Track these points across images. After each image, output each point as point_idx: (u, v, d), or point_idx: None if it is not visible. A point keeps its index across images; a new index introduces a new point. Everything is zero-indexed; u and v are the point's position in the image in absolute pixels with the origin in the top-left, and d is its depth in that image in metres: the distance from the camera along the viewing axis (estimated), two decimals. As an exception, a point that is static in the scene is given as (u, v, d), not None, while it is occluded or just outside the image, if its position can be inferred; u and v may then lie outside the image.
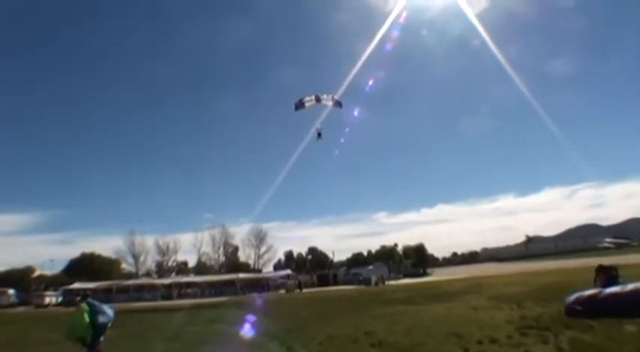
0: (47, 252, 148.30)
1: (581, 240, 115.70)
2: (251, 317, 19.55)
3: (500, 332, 9.96)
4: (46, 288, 60.51)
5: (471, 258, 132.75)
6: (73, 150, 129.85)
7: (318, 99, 19.55)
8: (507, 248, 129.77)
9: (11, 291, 51.55)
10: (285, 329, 14.12)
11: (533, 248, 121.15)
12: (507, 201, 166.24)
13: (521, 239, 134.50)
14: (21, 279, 69.57)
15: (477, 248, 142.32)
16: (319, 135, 19.91)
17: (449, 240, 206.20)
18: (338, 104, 20.28)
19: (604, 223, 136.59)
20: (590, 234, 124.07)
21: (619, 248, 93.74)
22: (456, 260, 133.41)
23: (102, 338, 8.78)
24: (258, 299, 40.84)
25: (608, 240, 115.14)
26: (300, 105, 19.55)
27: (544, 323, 10.56)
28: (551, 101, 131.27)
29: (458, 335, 10.23)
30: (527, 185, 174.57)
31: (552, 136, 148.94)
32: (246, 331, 14.72)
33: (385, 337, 10.97)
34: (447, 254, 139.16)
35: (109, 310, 9.12)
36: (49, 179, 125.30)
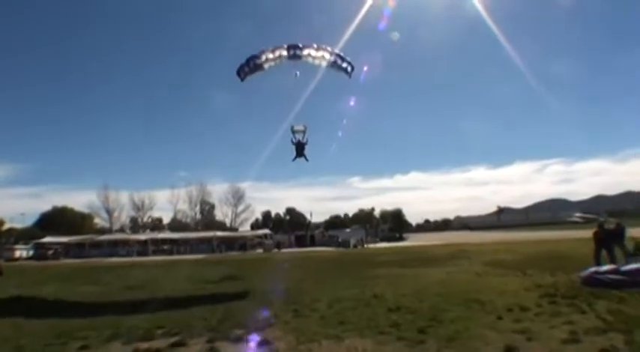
0: (18, 206, 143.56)
1: (551, 213, 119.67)
2: (239, 276, 18.80)
3: (524, 300, 9.41)
4: (16, 242, 58.36)
5: (444, 225, 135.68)
6: (50, 103, 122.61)
7: (294, 55, 13.72)
8: (479, 217, 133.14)
9: None
10: (283, 290, 13.33)
11: (504, 218, 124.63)
12: (479, 172, 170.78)
13: (492, 209, 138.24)
14: None
15: (450, 216, 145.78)
16: (300, 154, 15.35)
17: (422, 207, 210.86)
18: (342, 65, 14.59)
19: (573, 198, 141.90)
20: (559, 207, 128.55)
21: (587, 222, 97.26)
22: (429, 226, 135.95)
23: None
24: (237, 257, 40.33)
25: (577, 214, 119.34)
26: (252, 67, 13.85)
27: (567, 292, 10.04)
28: (533, 75, 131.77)
29: (479, 302, 9.65)
30: (499, 157, 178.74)
31: (527, 110, 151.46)
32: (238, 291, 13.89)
33: (399, 301, 10.31)
34: (420, 220, 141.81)
35: None
36: (22, 131, 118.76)
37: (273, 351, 6.64)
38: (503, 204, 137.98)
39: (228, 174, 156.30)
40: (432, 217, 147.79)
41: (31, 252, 49.86)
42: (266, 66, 13.65)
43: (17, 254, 47.39)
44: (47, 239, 55.96)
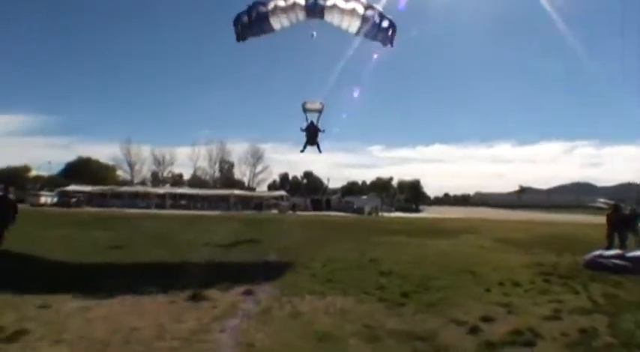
0: (46, 155, 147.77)
1: (574, 196, 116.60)
2: (244, 232, 19.21)
3: (519, 276, 9.28)
4: (42, 188, 60.62)
5: (463, 200, 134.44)
6: (83, 55, 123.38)
7: (311, 11, 10.49)
8: (500, 195, 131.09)
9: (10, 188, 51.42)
10: (283, 248, 13.55)
11: (525, 198, 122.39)
12: (504, 149, 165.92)
13: (513, 188, 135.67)
14: (16, 178, 69.17)
15: (470, 191, 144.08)
16: (312, 143, 12.61)
17: (442, 181, 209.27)
18: (381, 32, 10.96)
19: (599, 183, 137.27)
20: (583, 192, 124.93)
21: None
22: (447, 200, 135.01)
23: None
24: (251, 216, 41.13)
25: (601, 200, 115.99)
26: (256, 21, 10.44)
27: (565, 273, 9.85)
28: (567, 54, 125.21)
29: (473, 273, 9.61)
30: (526, 135, 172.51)
31: (558, 89, 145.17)
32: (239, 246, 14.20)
33: (393, 266, 10.34)
34: (440, 194, 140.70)
35: None
36: (55, 82, 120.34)
37: (255, 301, 6.79)
38: (525, 184, 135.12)
39: (250, 134, 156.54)
40: (452, 191, 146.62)
41: (55, 199, 51.77)
42: (274, 22, 10.52)
43: (42, 200, 49.21)
44: (71, 187, 58.06)
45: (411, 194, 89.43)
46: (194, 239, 15.82)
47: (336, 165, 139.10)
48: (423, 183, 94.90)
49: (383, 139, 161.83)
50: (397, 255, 12.64)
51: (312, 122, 12.46)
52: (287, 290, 7.44)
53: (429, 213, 66.69)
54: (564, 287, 8.30)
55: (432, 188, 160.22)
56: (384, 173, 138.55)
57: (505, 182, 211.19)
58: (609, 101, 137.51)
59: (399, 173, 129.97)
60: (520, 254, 13.64)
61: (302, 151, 12.85)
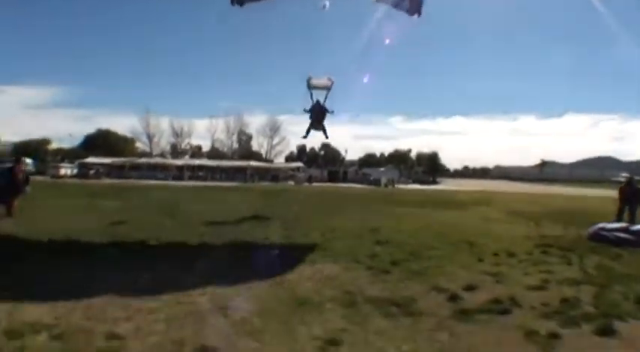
0: (67, 127, 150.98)
1: (598, 171, 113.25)
2: (252, 202, 19.44)
3: (518, 247, 9.18)
4: (62, 160, 62.10)
5: (483, 173, 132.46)
6: (104, 29, 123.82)
7: None
8: (521, 168, 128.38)
9: (28, 160, 52.80)
10: (290, 218, 13.73)
11: (547, 172, 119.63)
12: (527, 122, 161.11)
13: (535, 161, 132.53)
14: (37, 150, 70.85)
15: (490, 164, 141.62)
16: (317, 126, 11.44)
17: (462, 153, 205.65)
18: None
19: (623, 158, 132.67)
20: (607, 166, 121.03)
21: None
22: (467, 173, 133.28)
23: None
24: (266, 187, 41.54)
25: (624, 174, 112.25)
26: None
27: (566, 245, 9.71)
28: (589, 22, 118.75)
29: (471, 244, 9.55)
30: (550, 108, 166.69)
31: (583, 60, 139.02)
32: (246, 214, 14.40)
33: (391, 236, 10.37)
34: (459, 166, 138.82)
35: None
36: (76, 55, 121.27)
37: (245, 267, 6.95)
38: (548, 158, 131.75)
39: (268, 106, 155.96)
40: (472, 164, 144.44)
41: (75, 171, 53.05)
42: None
43: (62, 172, 50.29)
44: (90, 159, 59.37)
45: (429, 166, 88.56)
46: (200, 210, 16.12)
47: (355, 137, 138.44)
48: (442, 155, 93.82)
49: (403, 111, 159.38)
50: (400, 225, 12.65)
51: (317, 102, 10.91)
52: (279, 258, 7.60)
53: (446, 185, 66.08)
54: (560, 258, 8.19)
55: (451, 160, 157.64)
56: (403, 145, 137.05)
57: (527, 155, 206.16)
58: (636, 74, 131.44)
59: (419, 144, 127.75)
60: (526, 226, 13.47)
61: (305, 137, 11.77)
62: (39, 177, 42.03)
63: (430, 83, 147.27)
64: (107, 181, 43.77)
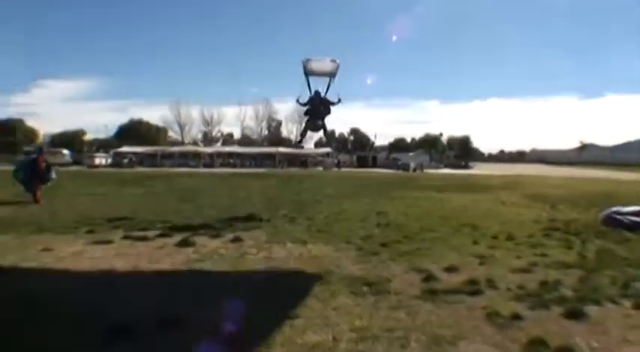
0: (102, 118, 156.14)
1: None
2: (270, 188, 19.79)
3: (520, 231, 9.03)
4: (97, 151, 64.74)
5: (519, 157, 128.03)
6: (140, 21, 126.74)
7: None
8: (558, 151, 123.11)
9: (65, 151, 55.32)
10: (302, 200, 13.97)
11: (587, 155, 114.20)
12: (566, 102, 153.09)
13: (574, 144, 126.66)
14: (73, 141, 73.77)
15: (527, 148, 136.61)
16: (316, 125, 8.06)
17: (497, 136, 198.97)
18: None
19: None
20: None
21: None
22: (502, 157, 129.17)
23: None
24: (293, 172, 41.95)
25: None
26: None
27: (575, 229, 9.44)
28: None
29: (474, 227, 9.47)
30: (591, 88, 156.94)
31: (623, 40, 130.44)
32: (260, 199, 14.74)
33: (396, 219, 10.44)
34: (494, 151, 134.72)
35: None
36: (108, 48, 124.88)
37: (237, 247, 7.21)
38: (588, 140, 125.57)
39: (296, 93, 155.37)
40: (508, 148, 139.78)
41: (109, 160, 55.31)
42: None
43: (97, 161, 52.29)
44: (124, 148, 61.68)
45: (461, 150, 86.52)
46: (218, 195, 16.59)
47: (387, 122, 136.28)
48: (477, 139, 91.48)
49: (438, 94, 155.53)
50: (409, 209, 12.66)
51: (317, 93, 7.71)
52: (273, 238, 7.83)
53: (478, 169, 64.43)
54: (561, 242, 8.00)
55: (486, 144, 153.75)
56: (433, 128, 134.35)
57: (565, 138, 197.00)
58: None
59: (450, 128, 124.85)
60: (541, 209, 13.12)
61: (299, 142, 9.48)
62: (75, 167, 44.17)
63: (466, 65, 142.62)
64: (139, 169, 45.39)
